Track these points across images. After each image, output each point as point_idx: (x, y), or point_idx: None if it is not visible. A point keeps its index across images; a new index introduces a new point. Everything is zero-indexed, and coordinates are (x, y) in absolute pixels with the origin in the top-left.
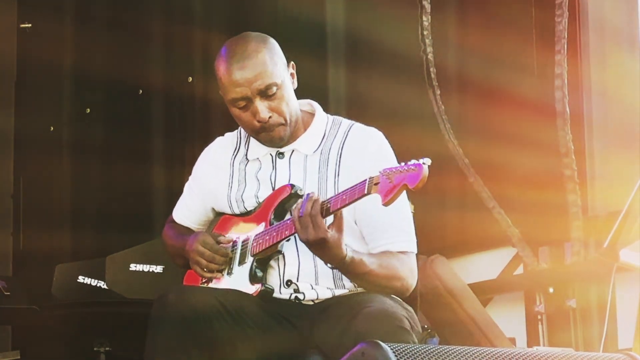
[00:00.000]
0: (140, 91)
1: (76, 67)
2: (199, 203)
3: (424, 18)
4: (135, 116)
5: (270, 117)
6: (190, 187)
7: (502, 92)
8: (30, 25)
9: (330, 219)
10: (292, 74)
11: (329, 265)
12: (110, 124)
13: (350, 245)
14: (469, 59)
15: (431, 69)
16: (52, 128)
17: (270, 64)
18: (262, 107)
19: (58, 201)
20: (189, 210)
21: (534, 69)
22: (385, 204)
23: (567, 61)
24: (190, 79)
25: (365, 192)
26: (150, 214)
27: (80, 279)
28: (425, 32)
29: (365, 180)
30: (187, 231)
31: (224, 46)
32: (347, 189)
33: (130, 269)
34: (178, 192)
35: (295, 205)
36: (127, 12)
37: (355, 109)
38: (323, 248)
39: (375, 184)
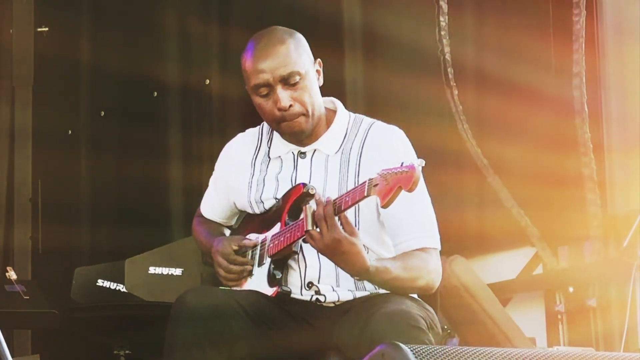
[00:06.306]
0: (155, 93)
1: (92, 70)
2: (223, 199)
3: (441, 18)
4: (152, 117)
5: (291, 106)
6: (214, 183)
7: (520, 91)
8: (47, 29)
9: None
10: (317, 71)
11: (356, 277)
12: (128, 125)
13: (372, 248)
14: (487, 58)
15: (449, 69)
16: (70, 131)
17: (295, 54)
18: (283, 95)
19: (76, 204)
20: (214, 205)
21: (552, 68)
22: (384, 206)
23: (585, 59)
24: (208, 81)
25: (365, 194)
26: (168, 215)
27: (100, 282)
28: (442, 33)
29: (365, 182)
30: (216, 227)
31: (251, 38)
32: (349, 191)
33: (150, 271)
34: (195, 192)
35: (308, 207)
36: (143, 16)
37: (373, 106)
38: (341, 253)
39: (375, 186)
